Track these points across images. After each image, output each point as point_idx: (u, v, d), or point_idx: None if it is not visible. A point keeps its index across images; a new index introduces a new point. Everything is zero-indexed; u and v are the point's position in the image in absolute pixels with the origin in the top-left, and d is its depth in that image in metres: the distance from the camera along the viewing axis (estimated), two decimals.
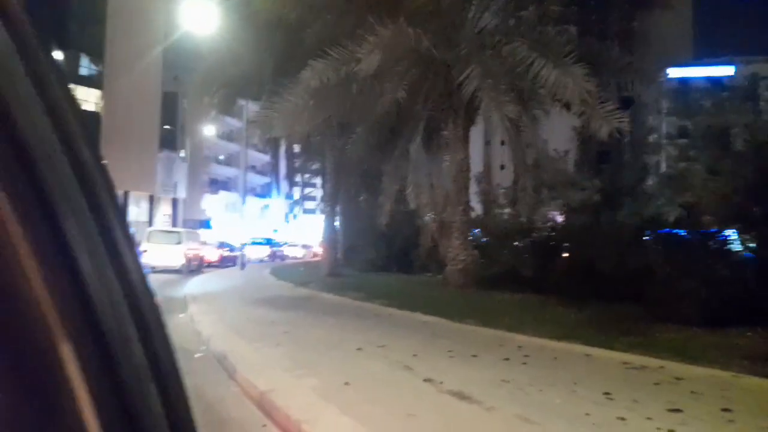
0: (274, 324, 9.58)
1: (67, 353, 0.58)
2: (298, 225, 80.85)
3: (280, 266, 30.95)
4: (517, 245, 13.64)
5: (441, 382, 5.73)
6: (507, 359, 6.92)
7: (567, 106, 11.73)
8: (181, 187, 57.79)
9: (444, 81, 12.71)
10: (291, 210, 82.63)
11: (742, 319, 8.14)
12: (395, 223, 24.47)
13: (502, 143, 19.60)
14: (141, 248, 22.14)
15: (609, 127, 10.30)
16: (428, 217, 16.16)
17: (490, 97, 10.76)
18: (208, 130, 59.91)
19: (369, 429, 4.40)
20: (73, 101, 0.69)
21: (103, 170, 0.69)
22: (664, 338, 7.83)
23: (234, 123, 68.41)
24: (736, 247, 9.30)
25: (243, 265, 27.44)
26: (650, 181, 13.15)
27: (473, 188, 14.75)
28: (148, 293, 0.71)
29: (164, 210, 55.94)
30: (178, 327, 10.32)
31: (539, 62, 10.55)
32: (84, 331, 0.60)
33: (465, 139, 13.52)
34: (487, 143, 18.79)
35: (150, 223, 50.63)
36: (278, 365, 6.54)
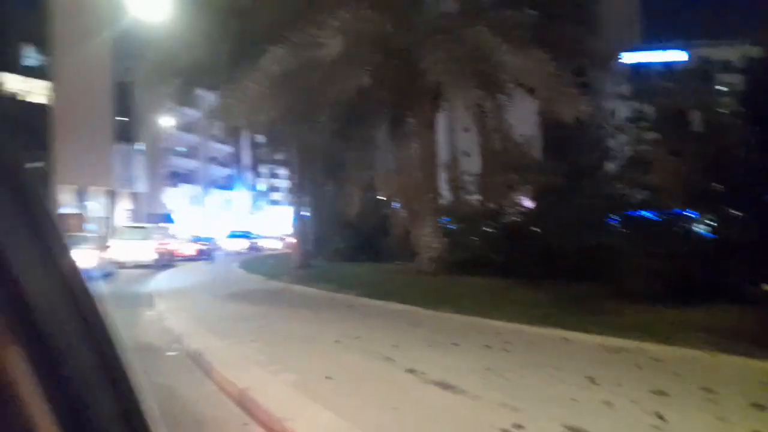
0: (247, 319, 9.29)
1: (14, 358, 0.61)
2: (264, 216, 79.87)
3: (250, 259, 30.50)
4: (486, 230, 13.65)
5: (424, 373, 5.61)
6: (488, 346, 6.86)
7: (531, 91, 11.71)
8: (141, 181, 56.00)
9: (407, 67, 12.47)
10: (256, 202, 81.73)
11: (702, 295, 8.30)
12: (363, 211, 24.29)
13: (466, 130, 19.46)
14: (108, 245, 22.04)
15: (572, 110, 10.32)
16: (397, 205, 16.03)
17: (454, 83, 10.61)
18: (166, 122, 58.08)
19: (352, 423, 4.25)
20: None
21: (27, 175, 0.70)
22: (634, 318, 7.91)
23: (192, 114, 66.59)
24: (698, 226, 9.51)
25: (212, 259, 26.88)
26: (612, 164, 13.30)
27: (443, 175, 14.65)
28: (88, 295, 0.74)
29: (124, 205, 54.17)
30: (148, 325, 9.91)
31: (502, 47, 10.45)
32: (27, 336, 0.62)
33: (431, 126, 13.37)
34: (452, 130, 18.68)
35: (110, 218, 48.95)
36: (255, 361, 6.30)
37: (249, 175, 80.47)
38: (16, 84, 39.70)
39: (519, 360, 6.10)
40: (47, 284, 0.67)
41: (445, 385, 5.19)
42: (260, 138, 22.41)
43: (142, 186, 56.15)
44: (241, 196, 76.95)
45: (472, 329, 8.07)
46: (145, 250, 23.34)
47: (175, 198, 64.07)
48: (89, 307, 0.73)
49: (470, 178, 15.60)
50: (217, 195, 70.97)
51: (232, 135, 20.63)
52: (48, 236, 0.69)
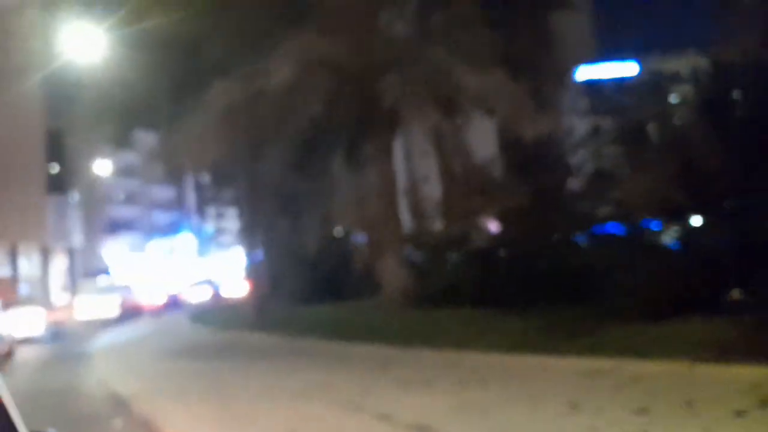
0: (200, 376, 8.98)
1: None
2: (213, 261, 78.24)
3: (202, 309, 29.90)
4: (452, 258, 13.65)
5: (397, 418, 5.52)
6: (462, 381, 6.82)
7: (490, 111, 12.00)
8: (76, 234, 54.15)
9: (361, 93, 12.64)
10: (203, 246, 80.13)
11: (677, 308, 8.50)
12: (321, 248, 24.06)
13: (424, 154, 19.53)
14: (54, 305, 23.42)
15: (532, 129, 10.63)
16: (357, 238, 16.02)
17: (411, 106, 10.81)
18: (102, 168, 56.87)
19: None
20: None
21: None
22: (610, 337, 8.01)
23: (131, 158, 65.37)
24: (664, 238, 9.81)
25: (158, 314, 25.91)
26: (574, 181, 13.67)
27: (403, 203, 14.69)
28: None
29: (59, 262, 52.20)
30: (93, 390, 9.41)
31: (459, 68, 10.74)
32: None
33: (388, 152, 13.50)
34: (410, 156, 18.61)
35: (45, 277, 47.01)
36: (213, 424, 6.09)
37: (194, 219, 79.21)
38: None
39: (496, 393, 6.09)
40: None
41: (420, 428, 5.12)
42: (206, 178, 22.02)
43: (78, 239, 54.32)
44: (186, 241, 75.40)
45: (445, 365, 8.03)
46: (108, 306, 23.81)
47: (115, 249, 62.16)
48: None
49: (432, 204, 15.68)
50: (160, 242, 69.35)
51: (175, 177, 20.31)
52: None
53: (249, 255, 19.29)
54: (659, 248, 9.34)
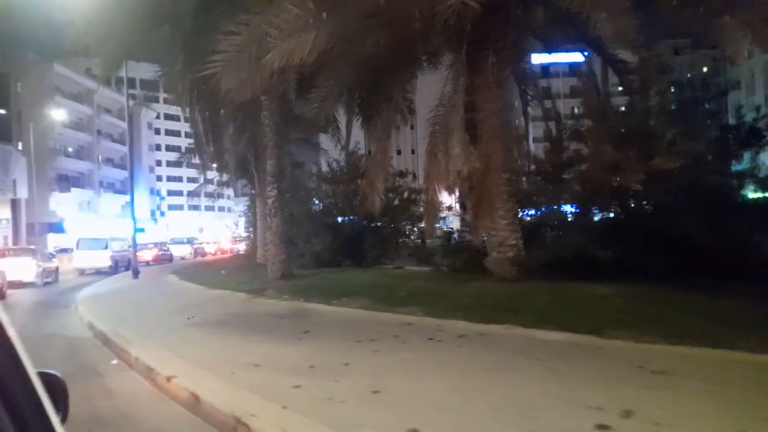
0: (329, 372, 5.34)
1: None
2: (167, 222, 72.99)
3: (196, 268, 25.63)
4: (589, 221, 10.47)
5: None
6: None
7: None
8: (22, 185, 47.15)
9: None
10: (158, 206, 74.68)
11: None
12: (340, 210, 20.41)
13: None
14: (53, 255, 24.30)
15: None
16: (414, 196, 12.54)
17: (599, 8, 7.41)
18: (58, 115, 49.74)
19: None
20: None
21: None
22: None
23: (84, 110, 58.21)
24: None
25: (136, 273, 21.49)
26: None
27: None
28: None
29: (1, 213, 45.36)
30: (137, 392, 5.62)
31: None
32: None
33: (500, 85, 10.04)
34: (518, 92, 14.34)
35: None
36: None
37: (148, 179, 72.47)
38: None
39: None
40: None
41: None
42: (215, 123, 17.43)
43: (23, 191, 47.28)
44: (140, 200, 69.25)
45: (705, 367, 4.89)
46: (101, 258, 25.65)
47: (63, 204, 55.11)
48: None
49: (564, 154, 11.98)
50: (112, 200, 62.95)
51: (192, 116, 15.82)
52: None
53: (277, 209, 15.18)
54: None
